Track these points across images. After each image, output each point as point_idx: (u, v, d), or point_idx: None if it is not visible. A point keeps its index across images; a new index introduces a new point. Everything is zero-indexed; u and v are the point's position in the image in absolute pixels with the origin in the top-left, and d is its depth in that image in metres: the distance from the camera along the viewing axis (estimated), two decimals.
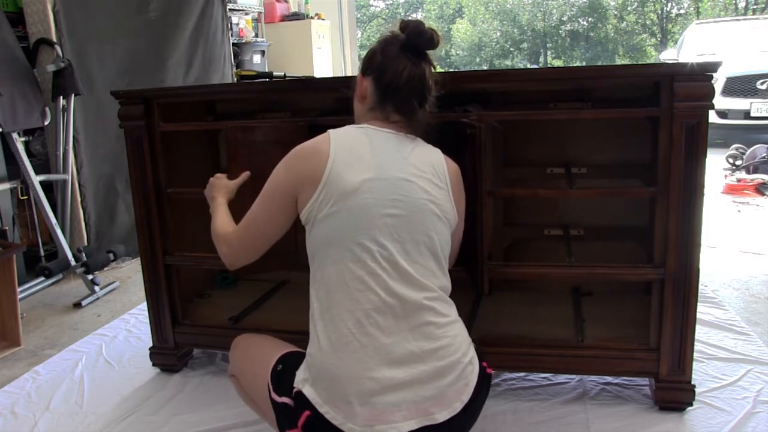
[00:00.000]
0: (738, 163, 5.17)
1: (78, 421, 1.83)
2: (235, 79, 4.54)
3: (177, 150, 2.03)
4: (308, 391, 1.14)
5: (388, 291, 1.14)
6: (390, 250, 1.16)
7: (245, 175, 1.60)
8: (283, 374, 1.24)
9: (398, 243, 1.17)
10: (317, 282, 1.20)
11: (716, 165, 5.25)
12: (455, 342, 1.19)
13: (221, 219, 1.44)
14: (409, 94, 1.28)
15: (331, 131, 1.26)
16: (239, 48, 5.42)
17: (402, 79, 1.27)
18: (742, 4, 17.37)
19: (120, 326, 2.55)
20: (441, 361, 1.15)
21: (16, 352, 2.36)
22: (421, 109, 1.30)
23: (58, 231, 2.96)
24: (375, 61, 1.30)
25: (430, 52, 1.31)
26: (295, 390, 1.18)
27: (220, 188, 1.57)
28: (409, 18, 1.31)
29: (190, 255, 2.06)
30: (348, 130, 1.28)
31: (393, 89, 1.28)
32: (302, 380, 1.17)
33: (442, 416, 1.12)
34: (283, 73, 2.83)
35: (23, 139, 3.15)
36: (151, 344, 2.12)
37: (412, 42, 1.27)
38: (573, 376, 1.92)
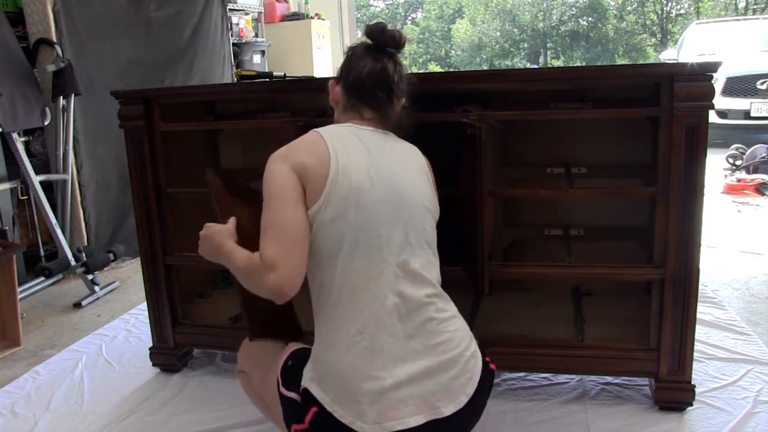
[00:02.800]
0: (738, 163, 5.17)
1: (78, 421, 1.83)
2: (235, 79, 4.54)
3: (177, 150, 2.03)
4: (316, 391, 1.14)
5: (393, 291, 1.16)
6: (395, 244, 1.18)
7: (233, 220, 1.34)
8: (293, 369, 1.25)
9: (402, 236, 1.19)
10: (319, 283, 1.20)
11: (716, 165, 5.25)
12: (456, 336, 1.20)
13: (243, 255, 1.20)
14: (373, 88, 1.31)
15: (318, 129, 1.27)
16: (239, 48, 5.42)
17: (363, 73, 1.31)
18: (742, 4, 17.36)
19: (120, 326, 2.55)
20: (444, 355, 1.16)
21: (16, 352, 2.36)
22: (391, 104, 1.33)
23: (58, 231, 2.96)
24: (342, 67, 1.36)
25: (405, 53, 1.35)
26: (302, 387, 1.18)
27: (222, 233, 1.29)
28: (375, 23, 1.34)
29: (190, 255, 2.05)
30: (335, 127, 1.29)
31: (357, 86, 1.32)
32: (309, 379, 1.17)
33: (448, 410, 1.14)
34: (283, 73, 2.83)
35: (23, 139, 3.15)
36: (151, 344, 2.12)
37: (373, 41, 1.33)
38: (573, 376, 1.92)
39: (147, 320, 2.11)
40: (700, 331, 1.90)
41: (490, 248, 1.73)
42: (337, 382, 1.13)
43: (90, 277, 2.92)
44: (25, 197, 3.18)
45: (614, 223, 2.11)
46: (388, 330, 1.14)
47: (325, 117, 1.89)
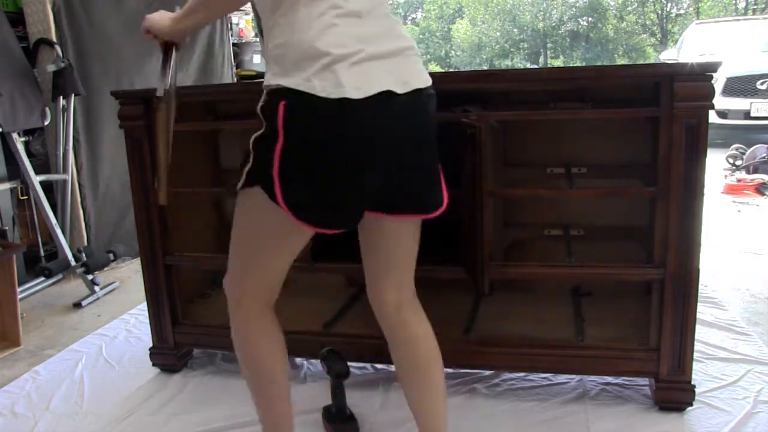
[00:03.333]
0: (738, 163, 5.17)
1: (78, 421, 1.83)
2: (235, 79, 4.54)
3: (177, 150, 2.03)
4: (287, 81, 1.11)
5: None
6: None
7: None
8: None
9: None
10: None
11: (716, 165, 5.25)
12: (408, 35, 1.24)
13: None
14: None
15: None
16: (239, 48, 5.42)
17: None
18: (742, 4, 17.37)
19: (120, 326, 2.55)
20: (403, 42, 1.19)
21: (16, 352, 2.36)
22: None
23: (58, 231, 2.96)
24: None
25: None
26: (267, 90, 1.16)
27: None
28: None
29: (190, 255, 2.06)
30: None
31: None
32: (274, 76, 1.14)
33: (415, 84, 1.18)
34: None
35: (23, 139, 3.15)
36: (151, 344, 2.12)
37: None
38: (573, 376, 1.92)
39: (147, 320, 2.11)
40: (700, 331, 1.90)
41: (490, 248, 1.73)
42: (311, 60, 1.10)
43: (90, 277, 2.92)
44: (25, 197, 3.18)
45: (614, 223, 2.11)
46: (357, 17, 1.14)
47: None
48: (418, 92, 1.19)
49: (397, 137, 1.18)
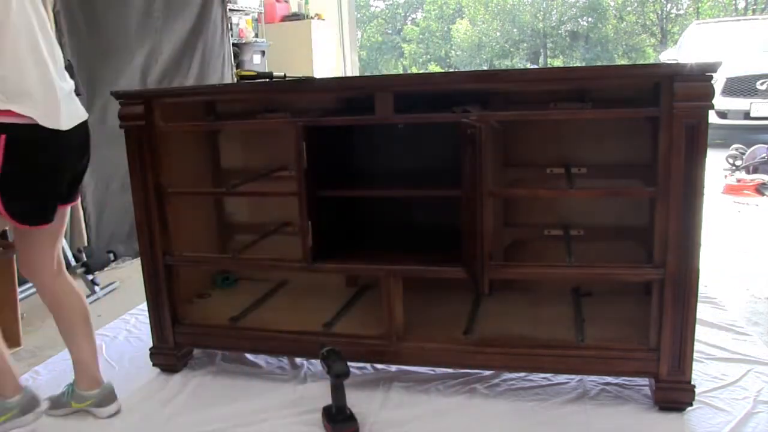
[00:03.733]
0: (738, 163, 5.17)
1: (78, 421, 1.83)
2: (235, 79, 4.54)
3: (177, 150, 2.03)
4: (20, 108, 1.46)
5: (44, 38, 1.59)
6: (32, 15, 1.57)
7: None
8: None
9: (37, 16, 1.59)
10: None
11: (716, 165, 5.24)
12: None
13: None
14: None
15: None
16: (239, 48, 5.42)
17: None
18: (742, 4, 17.36)
19: (120, 326, 2.55)
20: (72, 84, 1.67)
21: (16, 352, 2.35)
22: None
23: None
24: None
25: None
26: None
27: None
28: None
29: (190, 255, 2.06)
30: None
31: None
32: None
33: (82, 117, 1.70)
34: (283, 73, 2.82)
35: None
36: (151, 344, 2.12)
37: None
38: (573, 376, 1.92)
39: (147, 320, 2.11)
40: (700, 331, 1.90)
41: (490, 248, 1.73)
42: (38, 101, 1.48)
43: (90, 277, 2.92)
44: None
45: (614, 223, 2.11)
46: (50, 60, 1.56)
47: (325, 117, 1.89)
48: (83, 122, 1.70)
49: (76, 154, 1.70)
